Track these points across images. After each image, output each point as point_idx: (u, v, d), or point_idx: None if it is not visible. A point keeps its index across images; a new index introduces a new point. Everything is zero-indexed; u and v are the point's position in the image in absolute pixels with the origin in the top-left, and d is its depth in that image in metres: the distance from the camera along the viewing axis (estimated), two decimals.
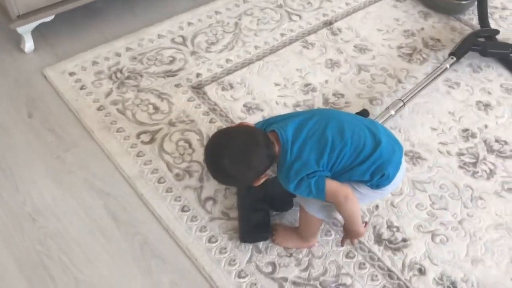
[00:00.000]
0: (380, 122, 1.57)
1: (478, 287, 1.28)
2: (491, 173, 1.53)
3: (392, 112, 1.59)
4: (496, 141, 1.63)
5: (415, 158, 1.56)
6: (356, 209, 1.16)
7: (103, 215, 1.39)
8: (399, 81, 1.81)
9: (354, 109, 1.67)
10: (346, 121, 1.19)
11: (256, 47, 1.91)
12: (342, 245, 1.30)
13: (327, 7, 2.10)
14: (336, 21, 2.04)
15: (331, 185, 1.13)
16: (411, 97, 1.65)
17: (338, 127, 1.16)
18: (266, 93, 1.74)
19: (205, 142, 1.57)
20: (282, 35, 1.97)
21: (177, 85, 1.75)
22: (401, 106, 1.61)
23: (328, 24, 2.02)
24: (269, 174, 1.45)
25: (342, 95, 1.75)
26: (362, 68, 1.85)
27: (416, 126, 1.65)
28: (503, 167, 1.55)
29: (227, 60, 1.85)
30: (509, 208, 1.45)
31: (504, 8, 2.14)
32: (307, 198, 1.21)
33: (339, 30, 2.00)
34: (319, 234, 1.34)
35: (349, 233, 1.23)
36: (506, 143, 1.62)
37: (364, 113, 1.59)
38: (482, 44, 1.86)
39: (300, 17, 2.05)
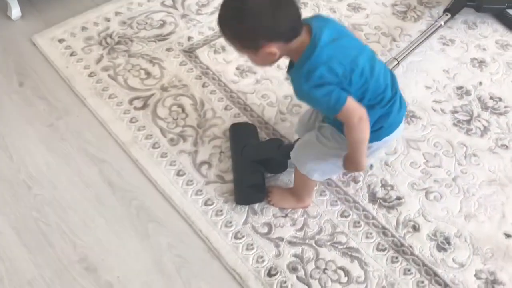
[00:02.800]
0: None
1: (471, 241, 1.30)
2: (485, 130, 1.53)
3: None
4: (491, 98, 1.62)
5: (410, 116, 1.55)
6: (366, 135, 1.06)
7: (98, 181, 1.39)
8: (394, 40, 1.79)
9: None
10: (377, 60, 1.11)
11: None
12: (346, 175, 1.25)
13: None
14: None
15: (350, 101, 1.02)
16: (405, 55, 1.63)
17: (370, 60, 1.07)
18: None
19: (198, 107, 1.56)
20: None
21: (168, 49, 1.72)
22: (395, 65, 1.60)
23: None
24: (263, 137, 1.46)
25: None
26: (356, 27, 1.82)
27: (411, 84, 1.64)
28: (497, 124, 1.55)
29: None
30: (502, 164, 1.45)
31: None
32: (302, 158, 1.22)
33: None
34: (314, 194, 1.35)
35: (350, 164, 1.13)
36: (500, 99, 1.62)
37: None
38: (477, 0, 1.83)
39: None
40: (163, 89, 1.60)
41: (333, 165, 1.21)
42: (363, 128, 1.04)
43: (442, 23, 1.74)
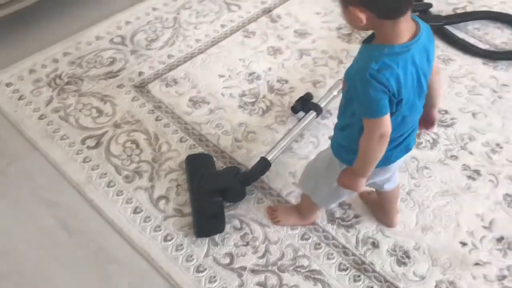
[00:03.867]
0: (324, 103, 1.60)
1: (429, 253, 1.32)
2: (434, 143, 1.58)
3: (335, 92, 1.62)
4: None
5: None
6: (379, 154, 0.99)
7: (53, 226, 1.36)
8: (341, 62, 1.84)
9: (298, 93, 1.69)
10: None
11: (197, 40, 1.89)
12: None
13: None
14: (275, 8, 2.05)
15: (387, 118, 0.94)
16: None
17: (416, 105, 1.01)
18: (211, 85, 1.73)
19: (152, 141, 1.55)
20: (222, 26, 1.96)
21: (119, 86, 1.72)
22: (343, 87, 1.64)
23: (267, 11, 2.03)
24: (220, 166, 1.47)
25: (286, 81, 1.76)
26: (304, 52, 1.87)
27: None
28: (445, 136, 1.61)
29: (169, 56, 1.83)
30: (453, 174, 1.50)
31: None
32: (316, 189, 1.20)
33: (279, 16, 2.01)
34: (318, 211, 1.36)
35: (348, 178, 1.06)
36: (446, 112, 1.68)
37: (307, 97, 1.62)
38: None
39: (239, 7, 2.04)
40: (116, 126, 1.59)
41: (325, 185, 1.18)
42: (381, 146, 0.97)
43: None
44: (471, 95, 1.73)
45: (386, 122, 0.94)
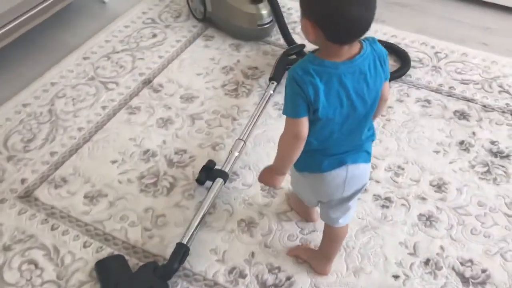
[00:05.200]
0: (228, 167, 1.55)
1: None
2: None
3: (236, 153, 1.59)
4: None
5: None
6: (293, 154, 1.04)
7: None
8: (234, 119, 1.81)
9: (200, 161, 1.63)
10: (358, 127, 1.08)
11: (79, 129, 1.77)
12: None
13: (141, 66, 2.04)
14: (154, 77, 1.99)
15: (303, 121, 1.00)
16: (249, 132, 1.66)
17: (351, 120, 1.04)
18: (105, 175, 1.61)
19: (53, 256, 1.39)
20: (103, 107, 1.85)
21: (1, 201, 1.53)
22: (242, 145, 1.61)
23: (147, 82, 1.96)
24: (135, 264, 1.34)
25: (185, 151, 1.69)
26: (195, 117, 1.82)
27: (263, 157, 1.66)
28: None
29: (52, 153, 1.68)
30: (367, 207, 1.52)
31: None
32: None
33: (160, 85, 1.95)
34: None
35: (267, 173, 1.14)
36: None
37: (210, 164, 1.56)
38: (294, 61, 1.96)
39: (116, 83, 1.95)
40: (6, 249, 1.40)
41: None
42: (294, 146, 1.03)
43: (272, 92, 1.82)
44: None
45: (301, 125, 1.00)
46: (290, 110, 1.01)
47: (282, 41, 2.16)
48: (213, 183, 1.50)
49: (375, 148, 1.68)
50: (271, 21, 2.13)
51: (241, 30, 2.16)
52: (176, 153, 1.69)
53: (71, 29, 2.24)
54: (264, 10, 2.09)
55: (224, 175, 1.52)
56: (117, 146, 1.71)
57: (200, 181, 1.53)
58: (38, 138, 1.74)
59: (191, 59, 2.08)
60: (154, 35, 2.20)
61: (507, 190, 1.57)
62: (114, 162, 1.65)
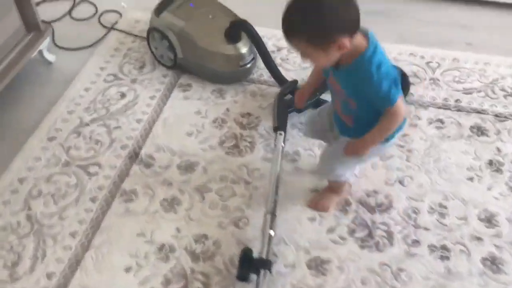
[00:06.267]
0: (267, 252, 1.34)
1: None
2: (389, 237, 1.45)
3: (271, 232, 1.38)
4: None
5: None
6: (393, 131, 1.23)
7: None
8: (247, 182, 1.60)
9: (227, 247, 1.41)
10: None
11: (73, 235, 1.48)
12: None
13: (120, 136, 1.76)
14: (140, 148, 1.72)
15: (401, 100, 1.17)
16: (275, 203, 1.45)
17: None
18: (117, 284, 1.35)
19: None
20: (93, 200, 1.57)
21: None
22: (274, 220, 1.41)
23: (134, 156, 1.69)
24: None
25: (205, 236, 1.46)
26: (202, 190, 1.59)
27: (295, 226, 1.47)
28: None
29: (49, 276, 1.39)
30: (427, 264, 1.38)
31: (279, 49, 2.09)
32: (327, 168, 1.44)
33: (151, 157, 1.69)
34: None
35: (356, 148, 1.26)
36: None
37: (247, 254, 1.34)
38: (292, 102, 1.77)
39: (99, 165, 1.66)
40: None
41: (356, 164, 1.45)
42: (397, 125, 1.21)
43: (283, 144, 1.62)
44: (386, 161, 1.64)
45: (402, 103, 1.17)
46: (394, 95, 1.14)
47: (265, 76, 1.96)
48: (258, 277, 1.29)
49: (407, 189, 1.55)
50: (252, 59, 1.92)
51: (221, 74, 1.93)
52: (196, 241, 1.45)
53: (23, 104, 1.91)
54: (244, 49, 1.88)
55: (268, 264, 1.31)
56: (125, 247, 1.44)
57: (243, 278, 1.31)
58: (24, 257, 1.43)
59: (174, 117, 1.83)
60: (123, 95, 1.92)
61: None
62: (128, 269, 1.39)
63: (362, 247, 1.43)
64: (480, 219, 1.48)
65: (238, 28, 1.85)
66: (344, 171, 1.43)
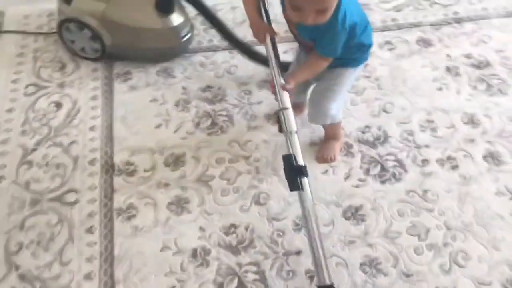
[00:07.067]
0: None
1: None
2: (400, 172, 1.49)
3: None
4: None
5: None
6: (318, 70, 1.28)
7: None
8: (246, 157, 1.51)
9: (261, 228, 1.33)
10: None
11: (88, 277, 1.27)
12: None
13: (83, 151, 1.51)
14: (110, 157, 1.51)
15: None
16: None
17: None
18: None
19: None
20: (90, 231, 1.35)
21: None
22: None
23: (110, 169, 1.48)
24: None
25: (234, 226, 1.36)
26: (205, 179, 1.45)
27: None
28: None
29: None
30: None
31: None
32: (322, 112, 1.38)
33: (128, 163, 1.49)
34: None
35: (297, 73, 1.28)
36: None
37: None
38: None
39: (75, 191, 1.42)
40: None
41: (343, 95, 1.41)
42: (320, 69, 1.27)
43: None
44: (361, 96, 1.66)
45: None
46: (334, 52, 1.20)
47: (205, 43, 1.83)
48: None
49: (395, 113, 1.60)
50: (191, 27, 1.76)
51: (160, 51, 1.74)
52: (227, 233, 1.35)
53: None
54: (181, 18, 1.70)
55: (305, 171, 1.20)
56: (155, 268, 1.28)
57: (296, 186, 1.18)
58: None
59: (131, 112, 1.62)
60: (58, 104, 1.64)
61: None
62: None
63: (382, 182, 1.45)
64: (465, 123, 1.59)
65: None
66: (337, 109, 1.40)
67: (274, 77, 1.24)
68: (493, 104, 1.64)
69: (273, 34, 1.26)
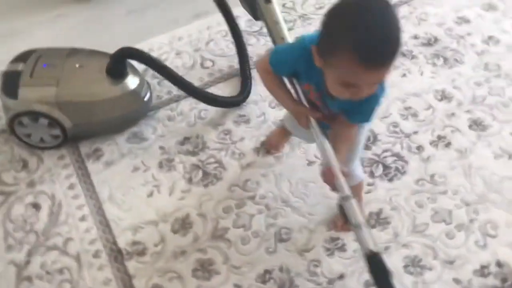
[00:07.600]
0: None
1: None
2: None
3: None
4: None
5: None
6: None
7: None
8: (251, 198, 1.46)
9: (293, 266, 1.29)
10: None
11: None
12: None
13: (80, 247, 1.39)
14: (113, 243, 1.40)
15: None
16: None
17: None
18: None
19: None
20: None
21: None
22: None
23: (118, 256, 1.37)
24: None
25: (268, 272, 1.31)
26: (220, 234, 1.39)
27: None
28: None
29: None
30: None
31: None
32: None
33: (135, 243, 1.39)
34: None
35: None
36: None
37: None
38: None
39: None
40: None
41: (360, 152, 1.26)
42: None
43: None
44: None
45: None
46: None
47: (164, 96, 1.76)
48: None
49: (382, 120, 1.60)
50: (147, 85, 1.69)
51: (125, 119, 1.65)
52: (263, 281, 1.29)
53: None
54: (136, 79, 1.62)
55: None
56: None
57: None
58: None
59: (117, 190, 1.52)
60: (35, 205, 1.50)
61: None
62: None
63: (390, 180, 1.46)
64: (439, 100, 1.65)
65: (121, 58, 1.57)
66: (358, 167, 1.28)
67: (331, 163, 1.06)
68: (457, 74, 1.71)
69: (317, 116, 1.10)
